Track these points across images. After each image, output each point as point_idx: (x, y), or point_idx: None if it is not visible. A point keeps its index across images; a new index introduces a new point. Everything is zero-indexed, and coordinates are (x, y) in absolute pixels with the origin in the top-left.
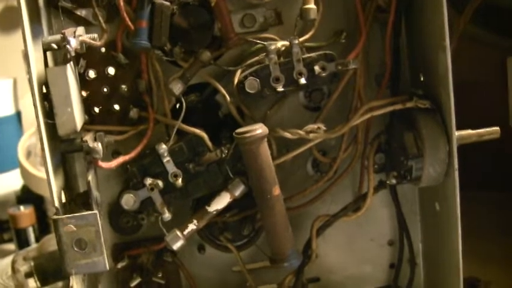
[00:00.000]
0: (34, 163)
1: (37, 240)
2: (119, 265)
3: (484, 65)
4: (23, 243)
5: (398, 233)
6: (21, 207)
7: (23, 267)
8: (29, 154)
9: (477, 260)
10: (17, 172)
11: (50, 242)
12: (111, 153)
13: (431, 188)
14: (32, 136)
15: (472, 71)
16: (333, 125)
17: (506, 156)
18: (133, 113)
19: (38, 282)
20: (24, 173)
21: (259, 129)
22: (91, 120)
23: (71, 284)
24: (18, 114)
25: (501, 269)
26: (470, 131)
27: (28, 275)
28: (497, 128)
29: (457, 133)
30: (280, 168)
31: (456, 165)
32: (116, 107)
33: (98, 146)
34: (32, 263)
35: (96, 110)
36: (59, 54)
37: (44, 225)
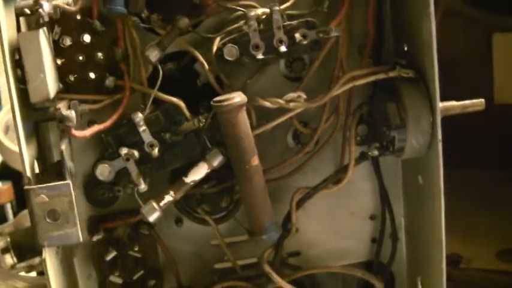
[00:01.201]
0: (12, 138)
1: (15, 216)
2: (94, 238)
3: (469, 42)
4: (1, 219)
5: (381, 207)
6: (0, 183)
7: None
8: (7, 129)
9: (459, 237)
10: None
11: (27, 218)
12: (86, 123)
13: (414, 161)
14: (9, 112)
15: (457, 47)
16: (314, 95)
17: (489, 134)
18: (109, 81)
19: (14, 258)
20: (2, 149)
21: (238, 97)
22: (66, 88)
23: (43, 257)
24: None
25: (482, 245)
26: (454, 103)
27: (4, 250)
28: (482, 100)
29: (441, 104)
30: (259, 139)
31: (440, 137)
32: (92, 75)
33: (72, 113)
34: (8, 239)
35: (71, 78)
36: (32, 20)
37: (22, 202)
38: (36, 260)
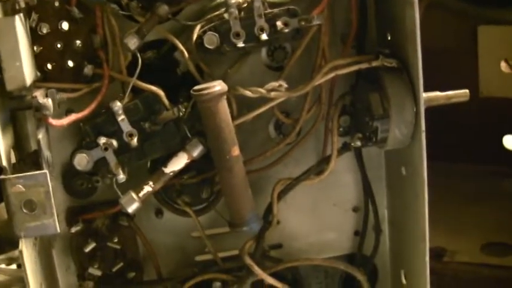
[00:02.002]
0: None
1: None
2: (73, 229)
3: (455, 34)
4: None
5: (364, 199)
6: None
7: None
8: None
9: (443, 230)
10: None
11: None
12: (64, 113)
13: (397, 152)
14: None
15: (442, 40)
16: (296, 85)
17: (474, 127)
18: (88, 69)
19: None
20: None
21: (218, 86)
22: (43, 77)
23: (20, 248)
24: None
25: (466, 239)
26: (438, 93)
27: None
28: (466, 91)
29: (424, 95)
30: (240, 129)
31: (423, 127)
32: (70, 63)
33: (48, 102)
34: None
35: (49, 66)
36: (8, 6)
37: (1, 193)
38: (16, 253)
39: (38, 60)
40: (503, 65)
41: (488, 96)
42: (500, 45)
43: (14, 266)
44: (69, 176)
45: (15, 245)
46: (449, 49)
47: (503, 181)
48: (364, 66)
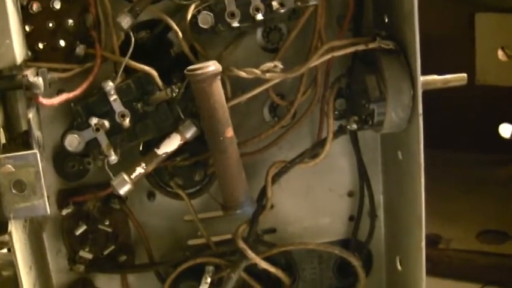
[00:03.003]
0: None
1: None
2: (64, 212)
3: (452, 21)
4: None
5: (359, 184)
6: None
7: None
8: None
9: (438, 218)
10: None
11: None
12: (56, 93)
13: (393, 136)
14: None
15: (439, 26)
16: (292, 66)
17: (471, 115)
18: (80, 49)
19: None
20: None
21: (212, 65)
22: (34, 57)
23: (9, 230)
24: None
25: (462, 226)
26: (435, 77)
27: None
28: (464, 75)
29: (422, 78)
30: (234, 112)
31: (420, 111)
32: (62, 43)
33: (39, 80)
34: None
35: (41, 46)
36: None
37: None
38: (7, 237)
39: (29, 40)
40: (500, 53)
41: (484, 85)
42: (497, 33)
43: (4, 251)
44: (60, 157)
45: (5, 229)
46: (446, 36)
47: (499, 169)
48: (360, 48)
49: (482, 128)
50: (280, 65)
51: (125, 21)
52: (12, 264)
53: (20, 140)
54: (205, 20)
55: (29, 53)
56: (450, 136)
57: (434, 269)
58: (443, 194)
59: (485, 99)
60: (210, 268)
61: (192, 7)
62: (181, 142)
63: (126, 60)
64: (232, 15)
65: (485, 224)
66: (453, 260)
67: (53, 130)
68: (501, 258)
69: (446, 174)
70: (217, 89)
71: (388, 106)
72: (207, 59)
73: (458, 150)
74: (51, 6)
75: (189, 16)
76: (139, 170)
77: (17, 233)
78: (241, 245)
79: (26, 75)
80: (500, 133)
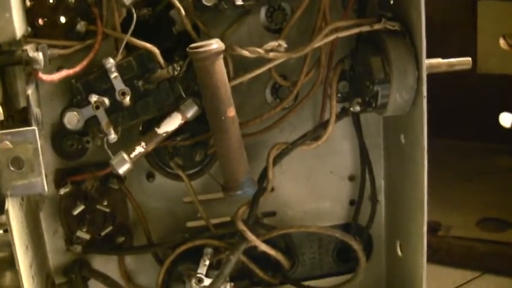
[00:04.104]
0: None
1: None
2: (62, 191)
3: (455, 7)
4: None
5: (360, 168)
6: None
7: None
8: None
9: (438, 205)
10: None
11: None
12: (56, 70)
13: (396, 119)
14: None
15: (443, 13)
16: (295, 47)
17: (472, 104)
18: (81, 26)
19: None
20: None
21: (215, 44)
22: (34, 33)
23: (6, 207)
24: None
25: (462, 214)
26: (440, 60)
27: None
28: (469, 59)
29: (427, 61)
30: (237, 93)
31: (425, 93)
32: (62, 19)
33: (39, 55)
34: None
35: (41, 22)
36: None
37: None
38: (3, 218)
39: (30, 15)
40: (501, 42)
41: (486, 73)
42: (499, 21)
43: (0, 232)
44: (59, 136)
45: (1, 209)
46: (448, 23)
47: (500, 158)
48: (365, 29)
49: (483, 117)
50: (284, 44)
51: None
52: (7, 245)
53: (18, 117)
54: None
55: (29, 29)
56: (451, 125)
57: (434, 256)
58: (444, 182)
59: (486, 88)
60: (209, 250)
61: None
62: (182, 121)
63: (128, 37)
64: None
65: (485, 212)
66: (453, 247)
67: (52, 108)
68: (501, 246)
69: (447, 162)
70: (220, 67)
71: (392, 88)
72: (210, 37)
73: (459, 139)
74: None
75: None
76: (139, 149)
77: (13, 211)
78: (241, 226)
79: (26, 50)
80: (500, 122)
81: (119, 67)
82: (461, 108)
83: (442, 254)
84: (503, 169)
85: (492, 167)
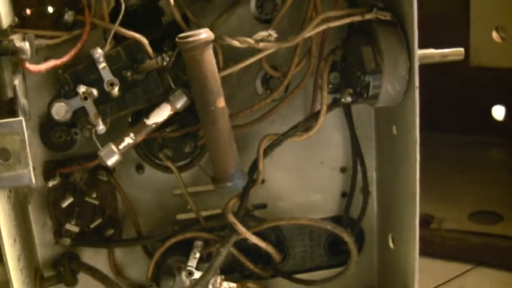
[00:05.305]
0: None
1: None
2: (50, 183)
3: (447, 0)
4: None
5: (352, 160)
6: None
7: None
8: None
9: (431, 198)
10: None
11: None
12: (43, 60)
13: (388, 110)
14: None
15: (435, 6)
16: (286, 38)
17: (464, 97)
18: (69, 16)
19: None
20: None
21: (204, 33)
22: (21, 23)
23: None
24: None
25: (454, 207)
26: (433, 50)
27: None
28: (461, 49)
29: (419, 51)
30: (226, 84)
31: (417, 83)
32: (50, 9)
33: (26, 45)
34: None
35: (28, 11)
36: None
37: None
38: None
39: (16, 5)
40: (494, 34)
41: (478, 66)
42: (492, 14)
43: None
44: (46, 128)
45: None
46: (441, 16)
47: (492, 151)
48: (357, 19)
49: (476, 110)
50: (274, 34)
51: None
52: None
53: (5, 108)
54: None
55: (16, 19)
56: (443, 117)
57: (427, 249)
58: (436, 175)
59: (479, 81)
60: (199, 243)
61: None
62: (172, 112)
63: (116, 27)
64: None
65: (477, 204)
66: (445, 240)
67: (40, 99)
68: (493, 238)
69: (440, 155)
70: (209, 57)
71: (384, 78)
72: (199, 27)
73: (452, 131)
74: None
75: None
76: (128, 140)
77: (0, 203)
78: (232, 219)
79: (12, 40)
80: (493, 115)
81: (107, 57)
82: (453, 101)
83: (435, 247)
84: (495, 162)
85: (485, 159)
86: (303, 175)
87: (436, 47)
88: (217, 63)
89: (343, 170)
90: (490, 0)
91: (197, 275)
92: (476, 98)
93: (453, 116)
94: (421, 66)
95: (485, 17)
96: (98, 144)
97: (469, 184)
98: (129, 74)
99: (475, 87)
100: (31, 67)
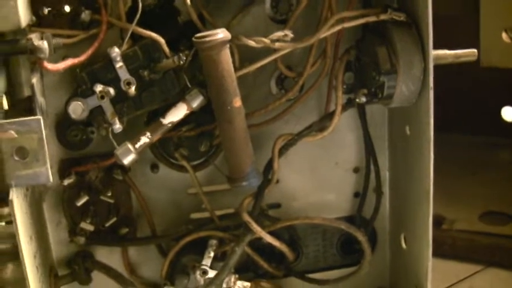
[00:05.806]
0: None
1: None
2: (65, 182)
3: (457, 1)
4: None
5: (365, 160)
6: None
7: None
8: None
9: (442, 199)
10: None
11: None
12: (60, 59)
13: (402, 111)
14: None
15: (445, 6)
16: (301, 38)
17: (475, 98)
18: (85, 15)
19: None
20: None
21: (221, 33)
22: (39, 22)
23: (10, 198)
24: None
25: (465, 207)
26: (446, 51)
27: None
28: (475, 50)
29: (433, 52)
30: (242, 84)
31: (431, 84)
32: (67, 8)
33: (44, 44)
34: None
35: (45, 11)
36: None
37: None
38: (4, 210)
39: (34, 4)
40: (504, 35)
41: (488, 67)
42: (502, 15)
43: (2, 224)
44: (63, 126)
45: (2, 202)
46: (451, 17)
47: (502, 152)
48: (371, 19)
49: (485, 111)
50: (290, 34)
51: None
52: (9, 237)
53: (22, 106)
54: None
55: (34, 18)
56: (453, 119)
57: (438, 250)
58: (447, 176)
59: (488, 82)
60: (214, 242)
61: None
62: (188, 111)
63: (133, 27)
64: None
65: (488, 205)
66: (456, 240)
67: (57, 98)
68: (504, 239)
69: (450, 156)
70: (226, 57)
71: (398, 79)
72: (215, 27)
73: (461, 132)
74: None
75: None
76: (144, 139)
77: (18, 201)
78: (246, 218)
79: (31, 39)
80: (502, 116)
81: (124, 56)
82: (463, 102)
83: (446, 247)
84: (505, 163)
85: (494, 160)
86: (317, 175)
87: (446, 48)
88: (233, 63)
89: (356, 170)
90: (500, 2)
91: (211, 274)
92: (486, 99)
93: (462, 117)
94: (434, 67)
95: (495, 18)
96: (115, 143)
97: (480, 185)
98: (146, 73)
99: (485, 88)
100: (49, 66)
